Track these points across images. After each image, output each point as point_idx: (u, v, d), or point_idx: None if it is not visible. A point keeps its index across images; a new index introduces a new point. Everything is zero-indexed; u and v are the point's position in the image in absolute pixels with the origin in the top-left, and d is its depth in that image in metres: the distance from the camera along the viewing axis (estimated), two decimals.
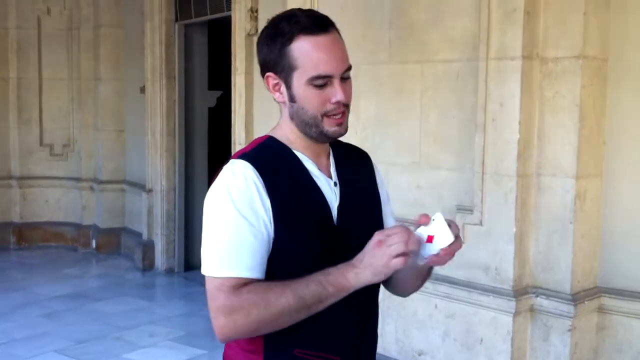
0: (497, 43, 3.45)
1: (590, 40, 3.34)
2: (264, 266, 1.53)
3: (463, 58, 3.68)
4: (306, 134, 1.62)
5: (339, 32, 1.61)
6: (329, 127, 1.59)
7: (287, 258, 1.54)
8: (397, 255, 1.43)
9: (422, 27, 3.84)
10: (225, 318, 1.48)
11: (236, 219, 1.50)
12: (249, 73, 5.23)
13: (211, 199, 1.56)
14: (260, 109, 5.21)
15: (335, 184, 1.66)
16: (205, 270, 1.54)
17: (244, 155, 1.60)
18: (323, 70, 1.55)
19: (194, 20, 6.69)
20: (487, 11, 3.47)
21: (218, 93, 7.04)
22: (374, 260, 1.44)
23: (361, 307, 1.66)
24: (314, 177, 1.63)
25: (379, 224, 1.75)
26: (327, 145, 1.70)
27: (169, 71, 6.83)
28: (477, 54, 3.56)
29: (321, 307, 1.48)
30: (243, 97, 5.33)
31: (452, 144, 3.76)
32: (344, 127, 1.62)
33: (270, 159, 1.60)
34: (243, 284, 1.49)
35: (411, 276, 1.72)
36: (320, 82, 1.55)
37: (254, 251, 1.51)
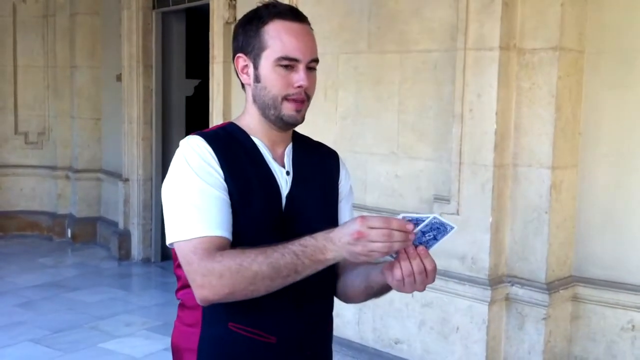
0: (475, 34, 3.47)
1: (567, 32, 3.37)
2: (231, 227, 1.55)
3: (441, 48, 3.69)
4: (265, 116, 1.66)
5: (312, 29, 1.68)
6: (287, 111, 1.63)
7: (237, 233, 1.56)
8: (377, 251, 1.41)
9: (401, 17, 3.85)
10: (202, 280, 1.47)
11: (199, 184, 1.55)
12: (227, 61, 5.20)
13: (172, 171, 1.60)
14: (239, 97, 5.18)
15: (287, 172, 1.69)
16: (174, 237, 1.54)
17: (199, 132, 1.68)
18: (290, 52, 1.60)
19: (171, 8, 6.64)
20: (465, 2, 3.48)
21: (196, 82, 6.99)
22: (353, 248, 1.41)
23: (307, 293, 1.66)
24: (267, 161, 1.67)
25: (330, 217, 1.75)
26: (288, 137, 1.74)
27: (146, 59, 6.78)
28: (455, 45, 3.57)
29: (298, 277, 1.46)
30: (221, 86, 5.29)
31: (430, 134, 3.78)
32: (301, 115, 1.65)
33: (227, 140, 1.65)
34: (216, 246, 1.49)
35: (360, 291, 1.71)
36: (286, 62, 1.60)
37: (221, 211, 1.54)
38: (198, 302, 1.51)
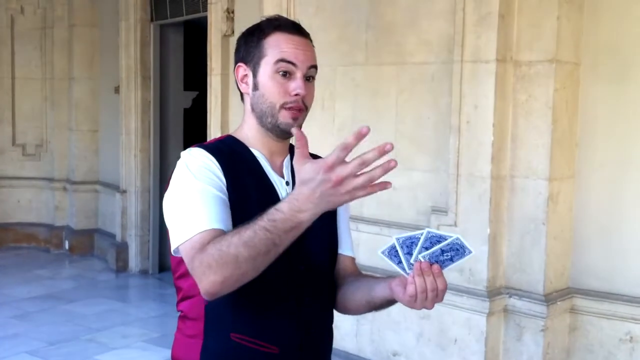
0: (472, 46, 3.48)
1: (564, 44, 3.38)
2: (230, 224, 1.53)
3: (438, 60, 3.71)
4: (263, 125, 1.67)
5: (313, 46, 1.70)
6: (284, 119, 1.63)
7: None
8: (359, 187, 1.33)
9: (399, 29, 3.87)
10: (199, 273, 1.44)
11: (199, 185, 1.55)
12: (225, 74, 5.22)
13: (173, 180, 1.60)
14: (236, 109, 5.20)
15: (287, 183, 1.69)
16: (177, 241, 1.51)
17: (200, 145, 1.67)
18: (288, 56, 1.62)
19: (169, 20, 6.66)
20: (462, 14, 3.51)
21: (194, 94, 7.01)
22: (334, 199, 1.32)
23: (308, 304, 1.66)
24: (267, 173, 1.68)
25: (329, 227, 1.76)
26: (285, 147, 1.74)
27: (144, 71, 6.79)
28: (452, 57, 3.59)
29: (281, 249, 1.39)
30: (219, 98, 5.31)
31: (427, 145, 3.79)
32: (297, 124, 1.65)
33: (227, 152, 1.66)
34: (213, 238, 1.46)
35: (361, 304, 1.70)
36: (284, 65, 1.62)
37: (219, 208, 1.53)
38: (203, 296, 1.47)
